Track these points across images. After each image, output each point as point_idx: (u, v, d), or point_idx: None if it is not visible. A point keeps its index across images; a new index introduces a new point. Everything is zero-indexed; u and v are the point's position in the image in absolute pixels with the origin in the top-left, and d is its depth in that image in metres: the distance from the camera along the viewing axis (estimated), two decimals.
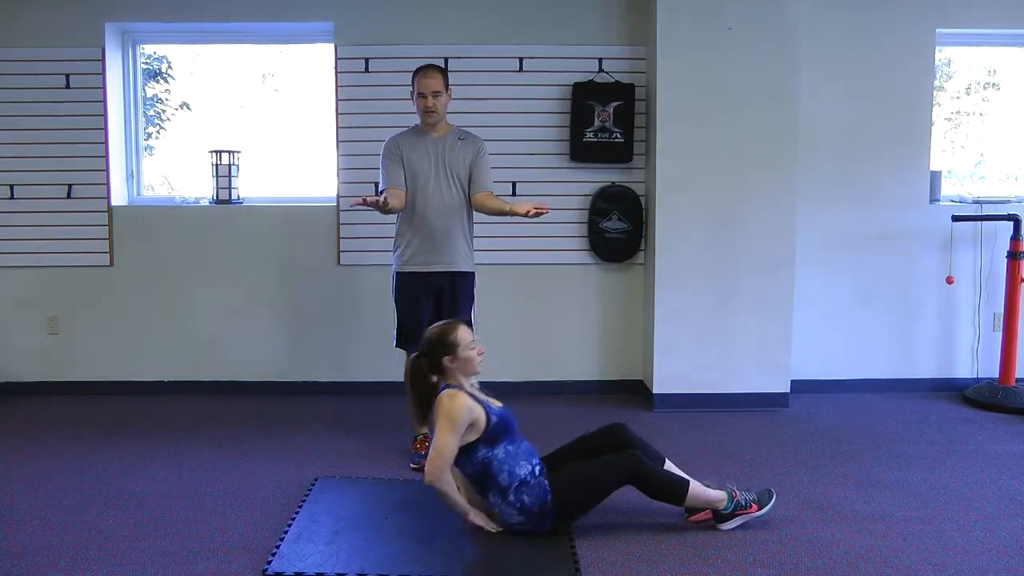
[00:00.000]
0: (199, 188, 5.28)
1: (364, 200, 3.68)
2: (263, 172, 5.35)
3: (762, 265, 4.71)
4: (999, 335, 4.99)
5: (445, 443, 2.97)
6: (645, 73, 4.94)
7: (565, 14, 4.95)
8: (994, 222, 4.98)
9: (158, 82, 5.53)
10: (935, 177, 5.12)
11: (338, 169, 4.96)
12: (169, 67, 5.52)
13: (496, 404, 3.17)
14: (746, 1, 4.62)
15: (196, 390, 5.06)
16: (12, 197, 4.98)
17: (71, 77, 4.93)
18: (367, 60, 4.93)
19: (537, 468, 3.08)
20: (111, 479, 3.65)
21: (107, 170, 4.97)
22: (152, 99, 5.50)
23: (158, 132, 5.55)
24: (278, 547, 2.94)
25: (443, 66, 4.26)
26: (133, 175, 5.24)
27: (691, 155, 4.69)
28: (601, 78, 4.91)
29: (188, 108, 5.54)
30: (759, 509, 3.10)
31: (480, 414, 3.02)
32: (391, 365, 4.37)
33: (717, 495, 3.09)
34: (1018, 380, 4.89)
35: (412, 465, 3.79)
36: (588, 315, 5.09)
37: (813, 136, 4.90)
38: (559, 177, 4.98)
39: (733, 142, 4.66)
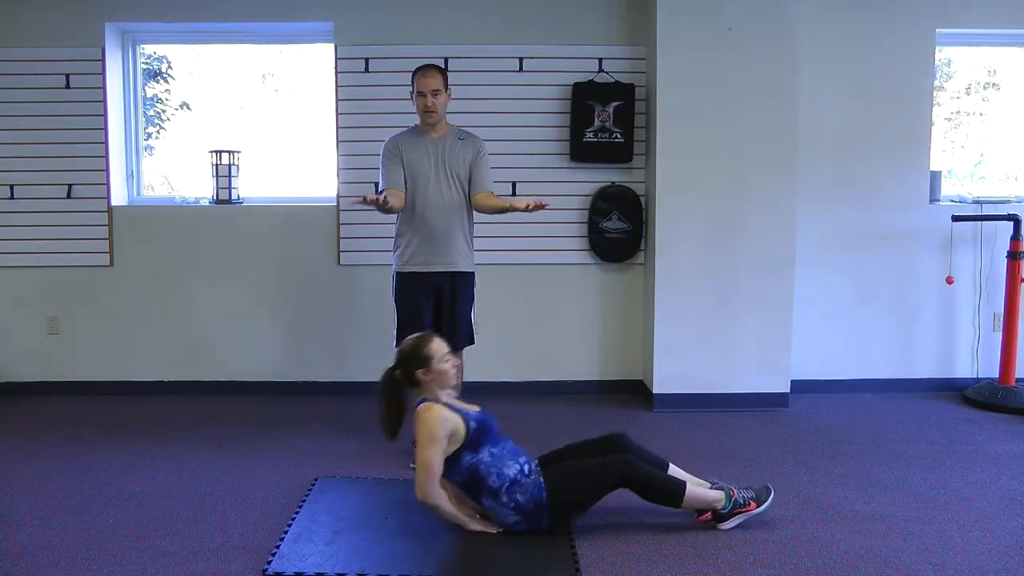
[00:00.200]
0: (199, 188, 5.28)
1: (364, 199, 3.69)
2: (263, 172, 5.35)
3: (762, 265, 4.71)
4: (999, 335, 4.99)
5: (429, 458, 2.98)
6: (645, 73, 4.94)
7: (565, 14, 4.95)
8: (994, 222, 4.98)
9: (158, 82, 5.53)
10: (935, 177, 5.12)
11: (338, 169, 4.96)
12: (169, 67, 5.52)
13: (474, 409, 3.18)
14: (746, 1, 4.62)
15: (196, 390, 5.06)
16: (12, 197, 4.98)
17: (71, 77, 4.93)
18: (367, 60, 4.93)
19: (527, 466, 3.09)
20: (111, 479, 3.65)
21: (107, 170, 4.98)
22: (152, 99, 5.51)
23: (158, 132, 5.55)
24: (278, 547, 2.94)
25: (443, 66, 4.26)
26: (133, 175, 5.24)
27: (691, 155, 4.69)
28: (601, 78, 4.91)
29: (188, 108, 5.54)
30: (757, 506, 3.10)
31: (458, 423, 3.03)
32: None
33: (715, 495, 3.09)
34: (1018, 380, 4.89)
35: (412, 465, 3.77)
36: (588, 315, 5.09)
37: (813, 136, 4.90)
38: (559, 177, 4.98)
39: (733, 142, 4.66)
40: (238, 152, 5.12)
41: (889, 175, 5.03)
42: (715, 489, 3.13)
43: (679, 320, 4.74)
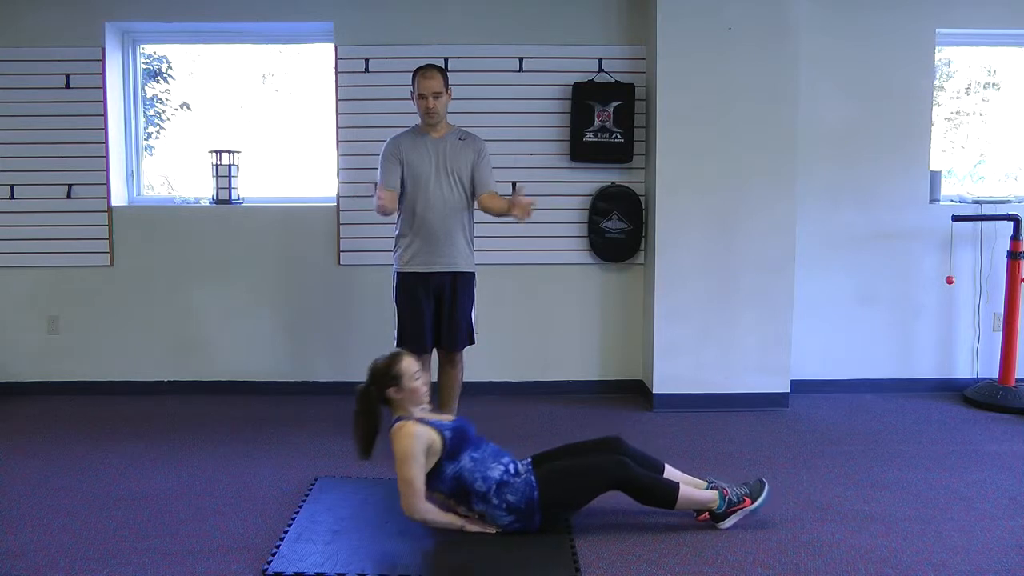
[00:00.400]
0: (199, 188, 5.28)
1: (376, 186, 3.86)
2: (263, 172, 5.35)
3: (762, 265, 4.71)
4: (999, 335, 4.99)
5: (409, 476, 3.00)
6: (645, 73, 4.94)
7: (565, 14, 4.95)
8: (994, 222, 4.98)
9: (158, 82, 5.53)
10: (935, 177, 5.12)
11: (338, 169, 4.96)
12: (169, 67, 5.52)
13: (448, 419, 3.22)
14: (746, 1, 4.62)
15: (196, 390, 5.06)
16: (12, 197, 4.98)
17: (71, 77, 4.93)
18: (367, 60, 4.93)
19: (511, 466, 3.10)
20: (111, 479, 3.65)
21: (107, 170, 4.97)
22: (152, 99, 5.50)
23: (158, 132, 5.55)
24: (278, 547, 2.94)
25: (443, 66, 4.26)
26: (133, 175, 5.24)
27: (691, 155, 4.69)
28: (601, 78, 4.91)
29: (188, 108, 5.54)
30: (752, 502, 3.11)
31: (433, 437, 3.04)
32: None
33: (709, 496, 3.10)
34: (1018, 380, 4.89)
35: None
36: (588, 315, 5.09)
37: (813, 136, 4.90)
38: (559, 177, 4.98)
39: (733, 142, 4.66)
40: (238, 152, 5.12)
41: (889, 175, 5.03)
42: (709, 489, 3.13)
43: (679, 320, 4.74)
